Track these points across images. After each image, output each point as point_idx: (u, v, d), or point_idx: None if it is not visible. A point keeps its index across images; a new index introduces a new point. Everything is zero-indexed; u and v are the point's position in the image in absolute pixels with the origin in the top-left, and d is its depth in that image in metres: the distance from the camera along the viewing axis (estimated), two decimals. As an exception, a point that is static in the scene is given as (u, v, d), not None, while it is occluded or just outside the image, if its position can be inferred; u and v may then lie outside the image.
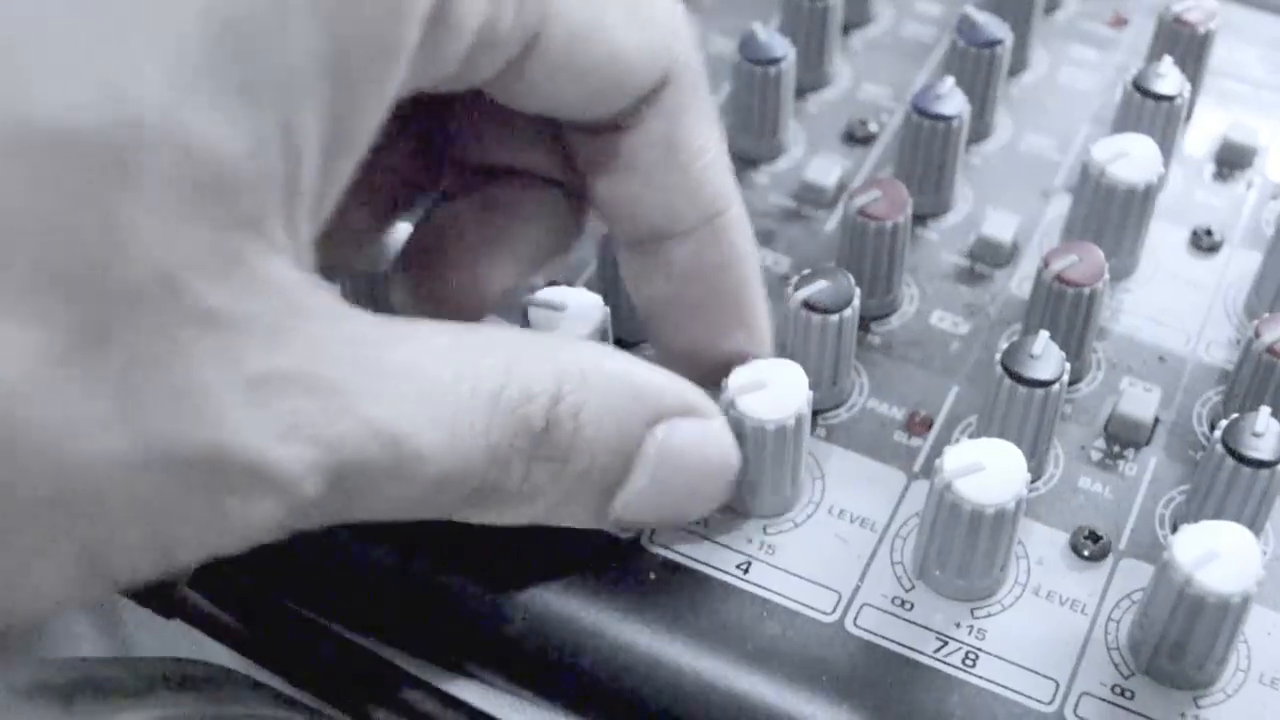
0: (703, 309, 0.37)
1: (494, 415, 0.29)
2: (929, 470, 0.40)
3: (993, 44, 0.49)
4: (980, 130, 0.50)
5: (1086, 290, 0.41)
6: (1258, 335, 0.40)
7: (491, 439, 0.30)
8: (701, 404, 0.35)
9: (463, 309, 0.37)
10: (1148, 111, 0.47)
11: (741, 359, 0.38)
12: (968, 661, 0.37)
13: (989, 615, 0.38)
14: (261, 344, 0.25)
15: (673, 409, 0.34)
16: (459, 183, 0.39)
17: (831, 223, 0.48)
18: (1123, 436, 0.42)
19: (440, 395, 0.28)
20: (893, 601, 0.38)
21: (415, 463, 0.28)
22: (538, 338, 0.32)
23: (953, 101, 0.46)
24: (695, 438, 0.35)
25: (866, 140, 0.51)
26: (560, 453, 0.31)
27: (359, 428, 0.27)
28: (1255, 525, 0.38)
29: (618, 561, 0.39)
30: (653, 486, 0.34)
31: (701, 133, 0.36)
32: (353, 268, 0.39)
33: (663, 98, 0.35)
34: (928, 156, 0.47)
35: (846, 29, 0.55)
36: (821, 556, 0.39)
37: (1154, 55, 0.50)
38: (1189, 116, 0.51)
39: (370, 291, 0.40)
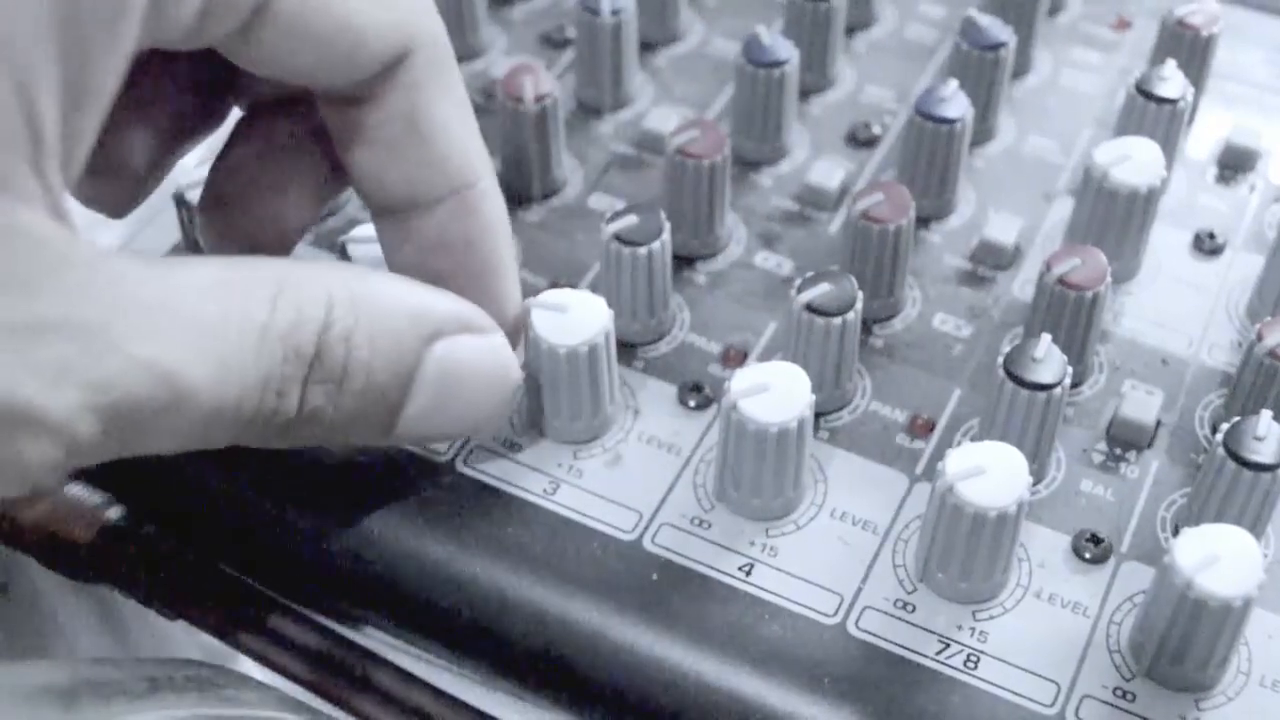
0: (450, 280, 0.38)
1: (263, 345, 0.30)
2: (931, 473, 0.40)
3: (996, 47, 0.49)
4: (983, 133, 0.50)
5: (1089, 294, 0.41)
6: (1260, 339, 0.40)
7: (262, 368, 0.31)
8: (478, 320, 0.36)
9: (265, 245, 0.38)
10: (1150, 114, 0.47)
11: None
12: (969, 664, 0.37)
13: (991, 618, 0.38)
14: (19, 294, 0.26)
15: (449, 326, 0.35)
16: (247, 117, 0.39)
17: (835, 225, 0.48)
18: (1125, 439, 0.42)
19: (207, 328, 0.29)
20: (895, 604, 0.38)
21: (187, 396, 0.29)
22: (305, 265, 0.33)
23: (956, 105, 0.46)
24: (473, 353, 0.36)
25: (870, 143, 0.51)
26: (335, 375, 0.32)
27: (126, 366, 0.28)
28: (1257, 528, 0.38)
29: (620, 563, 0.39)
30: (434, 403, 0.35)
31: (445, 107, 0.37)
32: (141, 198, 0.39)
33: (403, 71, 0.35)
34: (930, 159, 0.47)
35: (850, 31, 0.54)
36: (824, 559, 0.39)
37: (1157, 58, 0.50)
38: (1192, 119, 0.51)
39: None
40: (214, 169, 0.39)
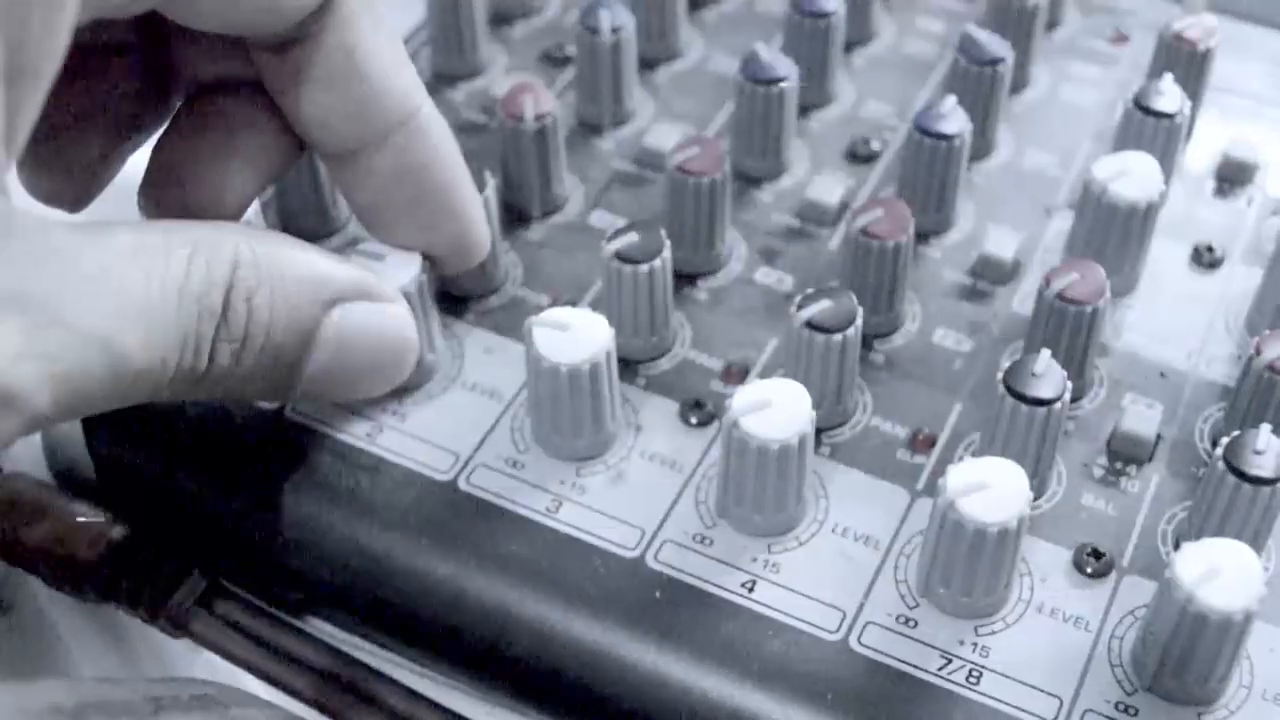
0: (414, 209, 0.40)
1: (182, 305, 0.32)
2: (932, 488, 0.40)
3: (994, 62, 0.49)
4: (982, 147, 0.50)
5: (1088, 308, 0.41)
6: (1258, 352, 0.40)
7: (182, 328, 0.32)
8: (377, 289, 0.38)
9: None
10: (1148, 129, 0.47)
11: (462, 249, 0.41)
12: (971, 679, 0.37)
13: (993, 633, 0.38)
14: None
15: (348, 293, 0.36)
16: (187, 100, 0.40)
17: (835, 241, 0.48)
18: (1125, 453, 0.42)
19: (135, 293, 0.31)
20: (897, 619, 0.38)
21: (124, 361, 0.30)
22: (216, 226, 0.34)
23: (954, 120, 0.46)
24: (370, 320, 0.37)
25: (869, 158, 0.51)
26: (238, 334, 0.34)
27: (72, 338, 0.29)
28: (1257, 542, 0.38)
29: (623, 580, 0.39)
30: (332, 365, 0.36)
31: (379, 39, 0.38)
32: (96, 192, 0.40)
33: (334, 8, 0.36)
34: (930, 175, 0.47)
35: (849, 47, 0.55)
36: (826, 574, 0.39)
37: (1155, 72, 0.50)
38: (1190, 133, 0.51)
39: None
40: (155, 149, 0.40)
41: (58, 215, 0.39)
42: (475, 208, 0.41)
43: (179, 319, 0.32)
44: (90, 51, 0.37)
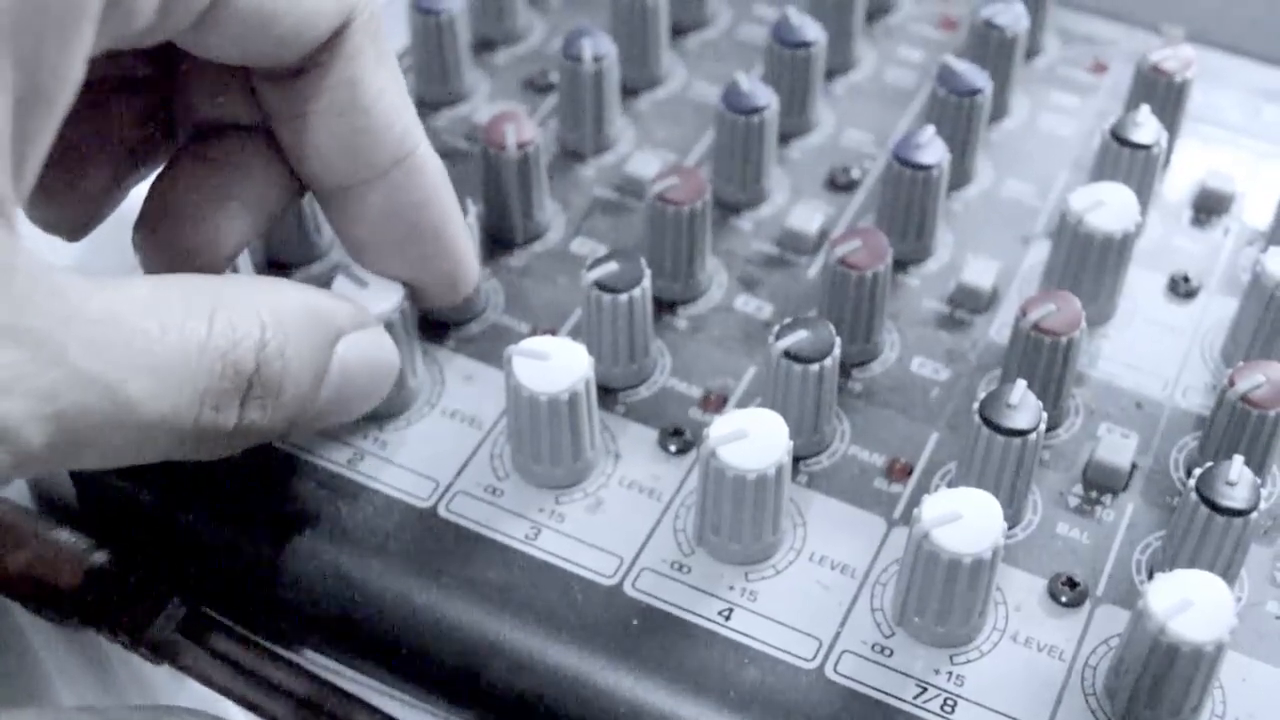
0: (406, 247, 0.40)
1: (201, 359, 0.32)
2: (909, 517, 0.40)
3: (973, 93, 0.49)
4: (961, 176, 0.51)
5: (1064, 339, 0.41)
6: (1232, 384, 0.40)
7: (199, 382, 0.32)
8: (364, 316, 0.38)
9: (201, 265, 0.39)
10: (1125, 160, 0.47)
11: (451, 287, 0.42)
12: (946, 708, 0.37)
13: (968, 662, 0.38)
14: None
15: (346, 325, 0.37)
16: (187, 142, 0.40)
17: (814, 269, 0.48)
18: (1100, 483, 0.42)
19: (146, 344, 0.30)
20: (873, 648, 0.39)
21: (128, 409, 0.30)
22: (233, 283, 0.34)
23: (933, 150, 0.46)
24: (365, 348, 0.38)
25: (849, 187, 0.51)
26: (273, 390, 0.34)
27: (71, 377, 0.29)
28: (1229, 572, 0.38)
29: (601, 608, 0.39)
30: (338, 396, 0.37)
31: (382, 74, 0.38)
32: (95, 223, 0.41)
33: (343, 40, 0.37)
34: (908, 204, 0.47)
35: (829, 75, 0.55)
36: (802, 603, 0.39)
37: (1132, 102, 0.50)
38: (1167, 163, 0.52)
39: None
40: (153, 187, 0.40)
41: (63, 248, 0.40)
42: (465, 246, 0.41)
43: (195, 372, 0.31)
44: (101, 83, 0.38)
